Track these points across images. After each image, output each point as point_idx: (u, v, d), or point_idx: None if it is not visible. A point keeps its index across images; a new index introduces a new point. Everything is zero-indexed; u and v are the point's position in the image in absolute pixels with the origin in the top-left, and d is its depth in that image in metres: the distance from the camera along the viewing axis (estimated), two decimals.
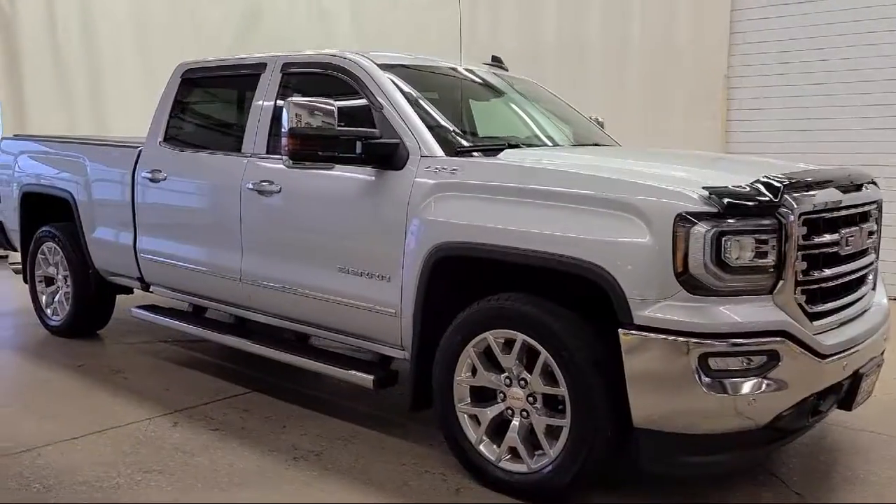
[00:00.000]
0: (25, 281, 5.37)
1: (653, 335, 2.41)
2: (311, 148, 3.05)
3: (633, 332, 2.44)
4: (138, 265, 4.45)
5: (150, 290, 4.56)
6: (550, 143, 3.76)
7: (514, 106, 3.99)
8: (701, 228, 2.38)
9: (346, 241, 3.33)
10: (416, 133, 3.17)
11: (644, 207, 2.45)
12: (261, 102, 3.80)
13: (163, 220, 4.29)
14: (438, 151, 3.11)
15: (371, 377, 3.26)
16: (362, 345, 3.42)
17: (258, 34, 8.11)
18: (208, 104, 4.53)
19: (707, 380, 2.39)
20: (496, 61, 4.35)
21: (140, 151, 4.40)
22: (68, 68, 7.64)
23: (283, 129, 3.04)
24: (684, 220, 2.39)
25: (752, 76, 6.84)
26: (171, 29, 7.91)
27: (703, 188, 2.43)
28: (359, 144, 3.13)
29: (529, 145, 3.55)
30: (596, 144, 3.94)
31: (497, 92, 4.04)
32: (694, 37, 7.01)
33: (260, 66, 3.89)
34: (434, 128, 3.23)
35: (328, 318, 3.47)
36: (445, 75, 3.93)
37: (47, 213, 5.12)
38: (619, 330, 2.46)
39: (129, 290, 4.97)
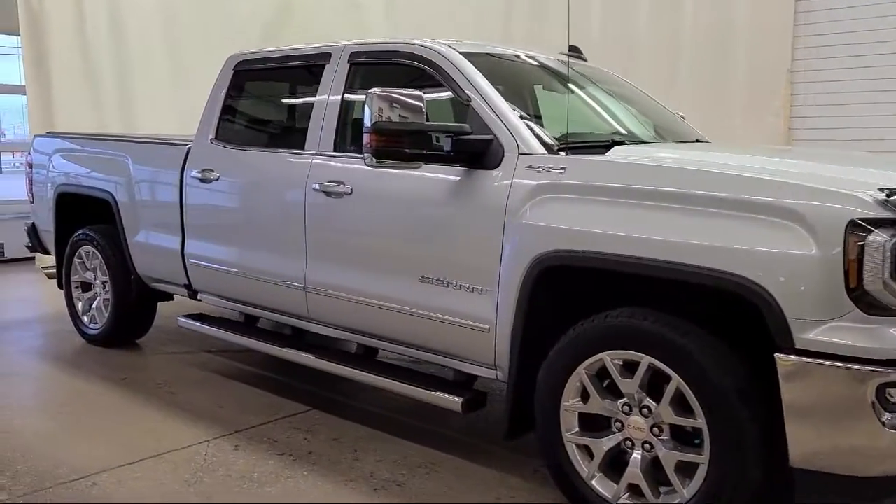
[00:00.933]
0: (60, 286, 5.08)
1: (819, 361, 2.07)
2: (397, 145, 2.73)
3: (795, 357, 2.10)
4: (186, 271, 4.15)
5: (198, 297, 4.26)
6: (651, 140, 3.41)
7: (602, 99, 3.64)
8: (879, 237, 2.04)
9: (430, 247, 3.00)
10: (512, 128, 2.85)
11: (808, 213, 2.11)
12: (326, 96, 3.48)
13: (214, 222, 3.98)
14: (539, 149, 2.78)
15: (459, 399, 2.93)
16: (445, 362, 3.09)
17: (288, 28, 7.82)
18: (264, 98, 4.22)
19: (888, 415, 2.05)
20: (574, 51, 4.00)
21: (189, 150, 4.09)
22: (97, 65, 7.37)
23: (365, 125, 2.73)
24: (858, 228, 2.05)
25: (818, 70, 6.44)
26: (199, 24, 7.64)
27: (880, 190, 2.10)
28: (448, 141, 2.81)
29: (632, 142, 3.22)
30: (697, 141, 3.59)
31: (582, 84, 3.70)
32: (754, 28, 6.61)
33: (324, 57, 3.57)
34: (531, 122, 2.91)
35: (406, 332, 3.14)
36: (530, 65, 3.60)
37: (84, 214, 4.82)
38: (776, 355, 2.13)
39: (169, 297, 4.69)
